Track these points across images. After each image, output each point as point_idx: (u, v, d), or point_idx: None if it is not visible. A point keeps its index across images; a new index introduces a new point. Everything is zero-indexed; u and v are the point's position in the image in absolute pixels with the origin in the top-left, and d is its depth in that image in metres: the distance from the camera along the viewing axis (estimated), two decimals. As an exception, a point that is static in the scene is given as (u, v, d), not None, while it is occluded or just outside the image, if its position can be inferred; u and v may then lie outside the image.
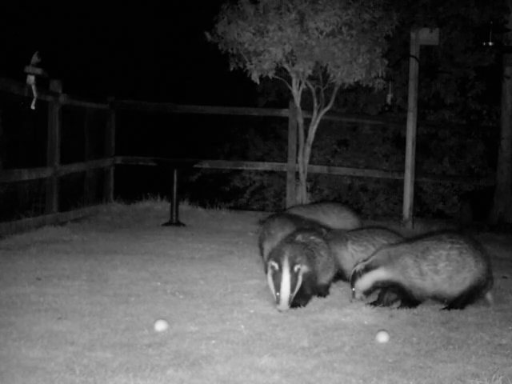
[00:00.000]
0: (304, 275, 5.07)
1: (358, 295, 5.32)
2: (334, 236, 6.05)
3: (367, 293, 5.33)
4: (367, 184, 12.86)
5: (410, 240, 5.58)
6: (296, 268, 4.98)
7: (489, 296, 5.43)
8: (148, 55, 15.78)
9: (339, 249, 5.91)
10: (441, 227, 10.01)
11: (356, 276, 5.28)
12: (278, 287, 4.93)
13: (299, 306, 5.13)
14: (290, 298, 4.95)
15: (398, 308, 5.23)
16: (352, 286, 5.32)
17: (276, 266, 4.96)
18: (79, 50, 15.22)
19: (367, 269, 5.23)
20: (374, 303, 5.30)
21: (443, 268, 5.14)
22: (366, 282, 5.25)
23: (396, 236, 6.03)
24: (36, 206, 8.49)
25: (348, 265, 5.85)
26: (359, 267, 5.28)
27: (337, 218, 7.61)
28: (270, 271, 5.02)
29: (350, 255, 5.84)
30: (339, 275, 5.92)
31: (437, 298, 5.28)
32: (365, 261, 5.33)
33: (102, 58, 15.43)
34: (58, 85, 8.89)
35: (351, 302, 5.33)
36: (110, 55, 15.58)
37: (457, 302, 5.23)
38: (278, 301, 4.96)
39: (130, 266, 6.34)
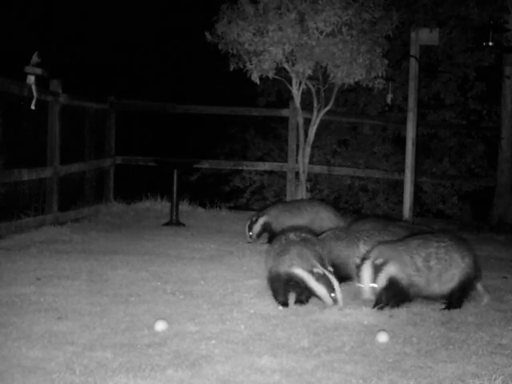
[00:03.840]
0: None
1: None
2: (345, 236, 6.01)
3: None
4: (367, 184, 12.86)
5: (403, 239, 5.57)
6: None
7: (479, 287, 5.45)
8: (148, 55, 15.78)
9: (351, 250, 5.86)
10: (441, 227, 10.02)
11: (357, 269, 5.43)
12: (332, 289, 5.00)
13: (303, 302, 5.19)
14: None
15: (392, 306, 5.21)
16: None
17: (320, 271, 5.01)
18: (79, 50, 15.21)
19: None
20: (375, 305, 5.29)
21: (434, 266, 5.15)
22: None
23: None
24: (36, 206, 8.48)
25: None
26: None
27: (314, 217, 7.68)
28: (313, 276, 5.01)
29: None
30: (348, 276, 5.91)
31: (430, 298, 5.27)
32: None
33: (102, 58, 15.42)
34: (58, 85, 8.89)
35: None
36: (110, 55, 15.58)
37: (452, 299, 5.24)
38: (335, 301, 5.02)
39: (130, 266, 6.34)
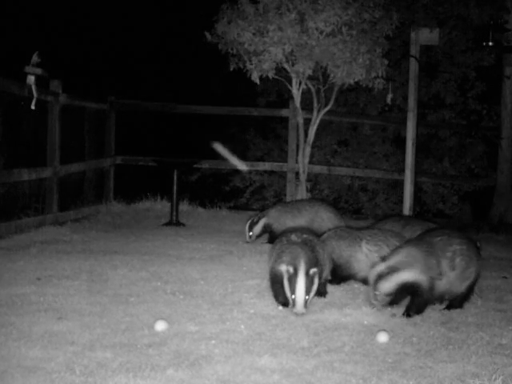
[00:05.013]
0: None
1: (380, 298, 5.02)
2: (347, 235, 5.99)
3: (389, 295, 5.03)
4: (367, 184, 12.86)
5: (420, 238, 5.45)
6: (312, 271, 4.94)
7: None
8: (148, 55, 15.78)
9: (354, 250, 5.82)
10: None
11: (379, 278, 4.99)
12: (293, 290, 4.88)
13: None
14: (305, 301, 4.89)
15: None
16: (374, 288, 5.01)
17: (291, 269, 4.89)
18: (79, 50, 15.21)
19: (392, 270, 4.97)
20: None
21: (459, 263, 5.11)
22: (390, 284, 4.98)
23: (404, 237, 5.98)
24: (36, 206, 8.49)
25: (361, 265, 5.82)
26: (381, 268, 5.01)
27: (313, 216, 7.69)
28: (285, 275, 4.93)
29: (365, 255, 5.78)
30: (351, 276, 5.90)
31: (444, 297, 5.25)
32: (384, 261, 5.08)
33: (102, 58, 15.43)
34: (58, 85, 8.89)
35: (372, 305, 5.09)
36: (110, 55, 15.58)
37: (457, 299, 5.23)
38: (293, 304, 4.90)
39: (130, 266, 6.34)
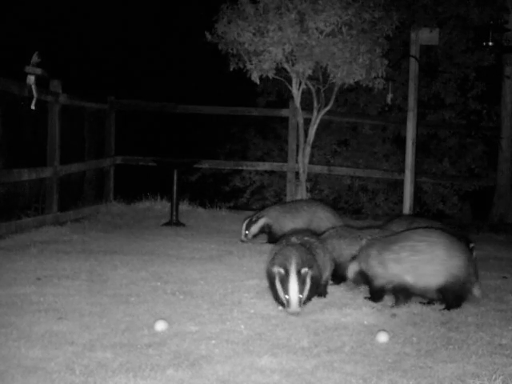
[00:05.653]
0: (311, 277, 5.02)
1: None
2: (348, 234, 6.00)
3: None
4: (367, 184, 12.87)
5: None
6: (303, 271, 4.91)
7: (476, 291, 5.39)
8: (148, 55, 15.79)
9: (354, 249, 5.80)
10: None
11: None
12: (286, 290, 4.86)
13: (304, 302, 5.14)
14: (299, 300, 4.87)
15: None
16: None
17: (282, 270, 4.87)
18: (79, 50, 15.22)
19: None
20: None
21: (406, 258, 5.13)
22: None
23: None
24: (36, 206, 8.49)
25: None
26: None
27: (312, 217, 7.70)
28: (277, 276, 4.91)
29: None
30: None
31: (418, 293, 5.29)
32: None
33: (101, 58, 15.43)
34: (58, 85, 8.89)
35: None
36: (110, 55, 15.59)
37: (447, 300, 5.21)
38: (287, 304, 4.88)
39: (130, 266, 6.34)
